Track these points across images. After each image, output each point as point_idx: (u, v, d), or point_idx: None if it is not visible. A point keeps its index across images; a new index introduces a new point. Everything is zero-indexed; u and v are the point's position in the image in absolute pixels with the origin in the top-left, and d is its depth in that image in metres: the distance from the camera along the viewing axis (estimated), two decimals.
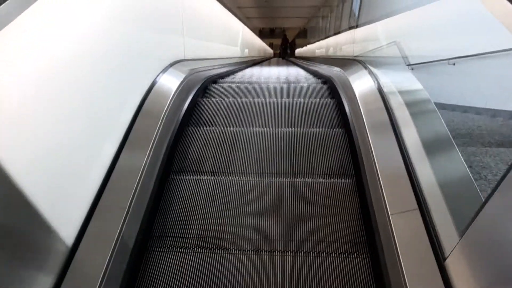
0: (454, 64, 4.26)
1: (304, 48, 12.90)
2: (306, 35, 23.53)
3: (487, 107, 3.48)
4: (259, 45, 14.75)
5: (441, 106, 4.21)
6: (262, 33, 31.41)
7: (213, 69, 3.98)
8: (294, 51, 15.32)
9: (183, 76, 2.32)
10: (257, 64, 12.18)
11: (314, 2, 15.98)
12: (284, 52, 19.03)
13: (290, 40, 20.08)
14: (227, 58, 5.96)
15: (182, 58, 2.70)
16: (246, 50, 10.19)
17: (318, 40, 14.20)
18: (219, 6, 5.53)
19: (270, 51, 23.74)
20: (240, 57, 8.09)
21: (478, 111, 3.54)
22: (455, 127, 2.45)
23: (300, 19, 23.66)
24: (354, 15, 8.53)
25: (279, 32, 31.55)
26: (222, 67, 4.94)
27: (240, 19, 8.99)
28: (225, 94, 3.07)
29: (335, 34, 10.99)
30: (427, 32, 4.61)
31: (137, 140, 1.55)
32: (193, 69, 2.76)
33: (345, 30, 8.68)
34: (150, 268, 1.36)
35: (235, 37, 7.64)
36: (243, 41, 9.35)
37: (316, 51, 13.50)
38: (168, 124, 1.86)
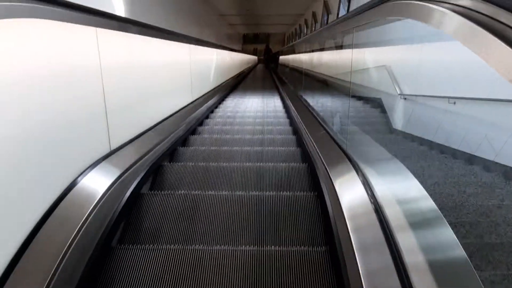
0: (454, 103, 3.77)
1: (289, 57, 12.31)
2: (291, 41, 23.10)
3: (497, 161, 2.98)
4: (241, 61, 13.73)
5: (440, 149, 3.71)
6: (246, 39, 30.91)
7: (165, 140, 2.75)
8: (278, 61, 14.90)
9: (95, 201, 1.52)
10: (239, 83, 11.21)
11: (296, 11, 15.57)
12: (268, 62, 18.78)
13: (273, 50, 19.73)
14: (191, 103, 4.27)
15: (107, 151, 1.83)
16: (224, 74, 8.43)
17: (303, 52, 13.73)
18: (177, 47, 3.89)
19: (254, 58, 23.29)
20: (213, 89, 6.29)
21: (486, 165, 3.04)
22: (471, 214, 1.93)
23: (284, 26, 23.26)
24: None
25: (264, 37, 31.11)
26: (183, 124, 3.45)
27: (212, 43, 7.14)
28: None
29: (320, 49, 10.52)
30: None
31: None
32: (120, 177, 1.81)
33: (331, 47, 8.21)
34: None
35: (205, 71, 5.82)
36: (218, 67, 7.23)
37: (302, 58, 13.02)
38: None
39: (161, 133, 2.70)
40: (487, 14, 0.83)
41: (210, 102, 5.29)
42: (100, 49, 1.72)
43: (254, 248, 1.58)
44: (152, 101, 2.79)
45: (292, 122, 4.47)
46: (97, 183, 1.60)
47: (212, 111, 5.33)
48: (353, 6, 7.03)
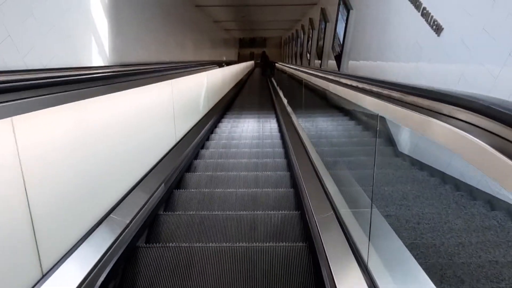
0: None
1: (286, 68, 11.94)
2: (288, 45, 22.82)
3: None
4: (236, 72, 12.96)
5: (442, 177, 3.33)
6: (242, 43, 30.56)
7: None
8: (274, 68, 14.63)
9: None
10: (236, 96, 10.38)
11: (293, 16, 15.28)
12: (264, 69, 18.69)
13: (270, 57, 19.63)
14: (174, 148, 3.27)
15: (37, 278, 1.25)
16: (217, 94, 7.06)
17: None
18: (154, 87, 2.83)
19: (250, 64, 22.93)
20: (204, 116, 5.09)
21: (507, 207, 2.68)
22: None
23: (280, 30, 22.97)
24: (339, 39, 7.70)
25: (260, 41, 30.76)
26: (159, 188, 2.43)
27: (202, 64, 6.32)
28: None
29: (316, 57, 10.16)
30: None
31: None
32: None
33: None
34: None
35: (194, 100, 4.63)
36: (210, 89, 5.93)
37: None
38: None
39: (121, 221, 1.84)
40: None
41: (198, 139, 4.13)
42: (19, 142, 1.16)
43: None
44: (114, 174, 1.99)
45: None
46: None
47: (204, 142, 4.50)
48: (351, 19, 6.67)
